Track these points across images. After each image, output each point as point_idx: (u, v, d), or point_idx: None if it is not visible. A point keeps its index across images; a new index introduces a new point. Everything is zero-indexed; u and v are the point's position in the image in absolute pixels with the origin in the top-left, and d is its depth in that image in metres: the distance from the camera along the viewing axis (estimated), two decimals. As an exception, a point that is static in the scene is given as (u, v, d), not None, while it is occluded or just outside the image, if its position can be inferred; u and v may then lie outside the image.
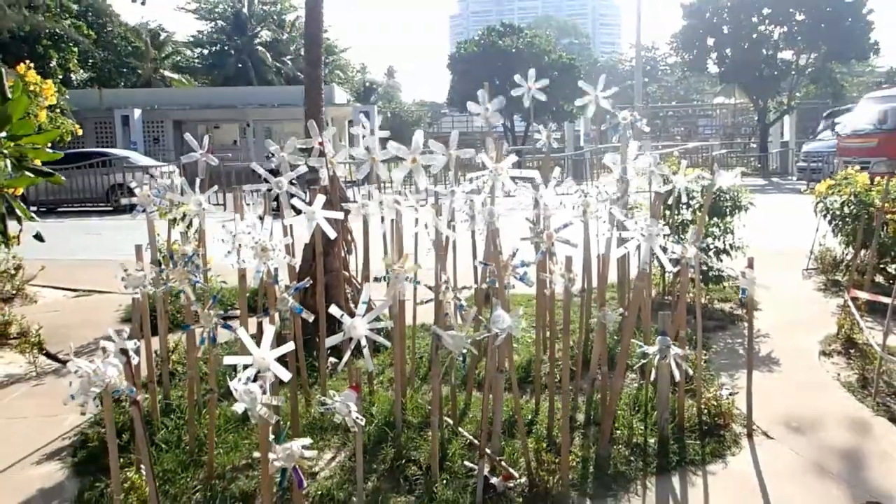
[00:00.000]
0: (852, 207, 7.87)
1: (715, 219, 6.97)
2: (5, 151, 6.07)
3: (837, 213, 8.12)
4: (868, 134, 17.17)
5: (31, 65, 8.31)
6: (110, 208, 20.61)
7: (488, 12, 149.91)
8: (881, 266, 7.84)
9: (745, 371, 4.56)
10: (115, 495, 3.23)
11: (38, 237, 6.94)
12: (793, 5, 33.74)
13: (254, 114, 37.43)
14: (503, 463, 3.70)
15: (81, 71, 40.84)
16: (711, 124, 54.02)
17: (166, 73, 48.81)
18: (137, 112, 35.06)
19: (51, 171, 6.44)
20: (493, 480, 3.58)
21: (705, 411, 4.42)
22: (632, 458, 3.97)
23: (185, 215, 5.55)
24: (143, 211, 4.59)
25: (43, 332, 6.18)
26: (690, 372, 4.48)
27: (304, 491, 2.95)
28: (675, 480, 3.82)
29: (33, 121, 6.30)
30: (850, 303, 5.91)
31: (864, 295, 5.92)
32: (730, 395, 4.80)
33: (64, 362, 5.97)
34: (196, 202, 4.41)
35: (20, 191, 6.79)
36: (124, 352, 2.81)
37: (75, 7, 37.35)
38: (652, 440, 4.15)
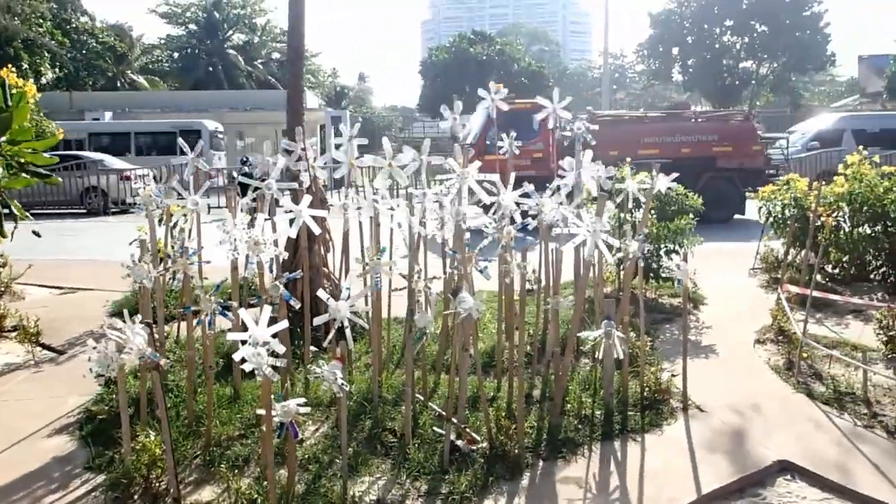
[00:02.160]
0: (792, 210, 8.54)
1: (664, 222, 7.60)
2: (6, 155, 6.49)
3: (779, 215, 8.80)
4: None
5: (13, 68, 8.67)
6: (84, 211, 20.83)
7: (459, 18, 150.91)
8: (821, 267, 8.54)
9: (688, 359, 5.14)
10: (126, 455, 3.72)
11: (36, 233, 7.38)
12: (754, 17, 34.90)
13: (226, 117, 37.64)
14: (467, 430, 4.24)
15: (49, 73, 40.83)
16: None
17: (134, 76, 48.75)
18: (108, 115, 35.10)
19: (48, 173, 6.88)
20: (459, 443, 4.12)
21: (647, 389, 5.00)
22: (580, 427, 4.55)
23: (171, 215, 6.06)
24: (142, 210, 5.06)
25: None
26: (621, 353, 5.05)
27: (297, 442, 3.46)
28: (617, 445, 4.40)
29: (31, 128, 6.69)
30: (781, 296, 6.54)
31: (794, 289, 6.57)
32: (672, 376, 5.38)
33: (60, 352, 6.40)
34: (193, 202, 4.89)
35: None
36: (149, 325, 3.30)
37: (45, 7, 37.33)
38: (599, 412, 4.74)
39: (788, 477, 4.09)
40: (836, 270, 8.70)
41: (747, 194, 16.26)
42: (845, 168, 8.66)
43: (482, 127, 15.77)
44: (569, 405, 4.80)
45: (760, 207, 9.12)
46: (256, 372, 3.03)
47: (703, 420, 4.77)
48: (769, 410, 4.91)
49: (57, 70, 41.87)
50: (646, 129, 16.41)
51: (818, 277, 8.47)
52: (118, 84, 46.99)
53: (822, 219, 8.08)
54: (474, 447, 4.15)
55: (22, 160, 6.72)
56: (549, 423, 4.56)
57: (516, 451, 4.11)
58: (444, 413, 4.37)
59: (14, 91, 6.82)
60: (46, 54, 37.52)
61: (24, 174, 6.83)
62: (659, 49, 37.20)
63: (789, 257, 8.71)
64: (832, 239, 8.23)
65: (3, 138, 6.49)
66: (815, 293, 6.13)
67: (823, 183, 7.95)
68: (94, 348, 3.72)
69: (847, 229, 8.30)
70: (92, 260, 11.74)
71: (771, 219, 8.96)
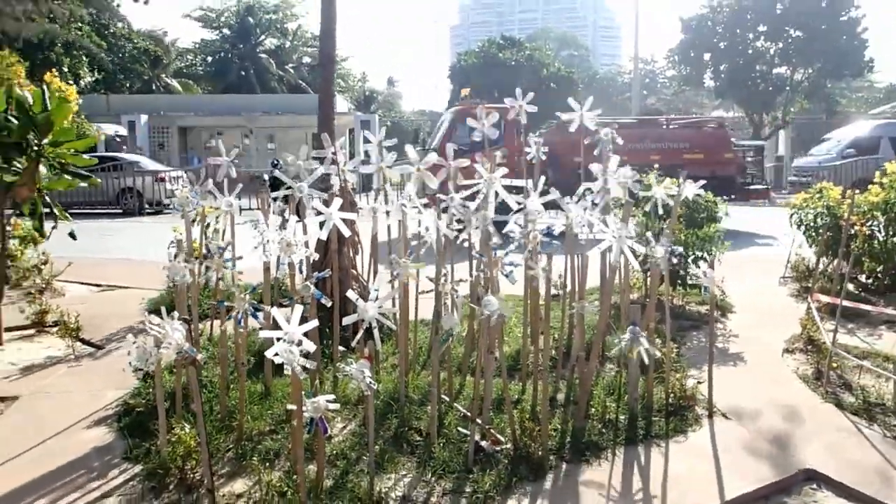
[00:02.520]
0: (825, 219, 8.48)
1: (693, 229, 7.60)
2: (48, 156, 6.69)
3: (811, 224, 8.75)
4: None
5: (56, 73, 8.93)
6: (119, 211, 21.28)
7: (488, 23, 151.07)
8: (853, 276, 8.49)
9: (714, 367, 5.14)
10: (163, 447, 3.84)
11: (72, 235, 7.58)
12: (788, 23, 34.48)
13: (258, 121, 38.11)
14: (492, 430, 4.31)
15: (88, 76, 41.61)
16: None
17: (168, 80, 49.54)
18: (144, 118, 35.72)
19: (88, 174, 7.07)
20: (483, 443, 4.19)
21: (672, 395, 5.02)
22: (604, 431, 4.58)
23: (204, 217, 6.22)
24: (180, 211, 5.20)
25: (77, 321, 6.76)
26: (658, 354, 5.07)
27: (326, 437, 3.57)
28: (641, 449, 4.43)
29: (73, 129, 6.88)
30: (811, 305, 6.51)
31: (825, 298, 6.54)
32: (698, 383, 5.39)
33: (99, 347, 6.58)
34: (227, 203, 5.03)
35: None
36: (187, 321, 3.41)
37: (84, 12, 38.07)
38: (623, 417, 4.77)
39: (814, 486, 4.09)
40: (870, 280, 8.62)
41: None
42: (881, 176, 8.58)
43: (445, 132, 15.94)
44: (593, 409, 4.84)
45: (792, 215, 9.07)
46: (286, 368, 3.13)
47: (728, 427, 4.78)
48: (796, 419, 4.91)
49: (95, 73, 42.67)
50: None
51: (850, 287, 8.43)
52: (153, 87, 47.79)
53: (856, 228, 8.03)
54: (498, 448, 4.22)
55: (63, 161, 6.93)
56: (573, 427, 4.61)
57: (540, 452, 4.16)
58: (469, 414, 4.44)
59: (55, 94, 7.04)
60: (85, 58, 38.33)
61: (65, 175, 7.04)
62: (690, 54, 36.93)
63: (821, 266, 8.65)
64: (866, 248, 8.16)
65: (45, 140, 6.69)
66: (847, 303, 6.10)
67: (858, 191, 7.87)
68: (134, 343, 3.86)
69: (881, 238, 8.21)
70: (128, 259, 12.01)
71: (803, 227, 8.91)
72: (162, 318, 3.65)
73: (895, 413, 4.97)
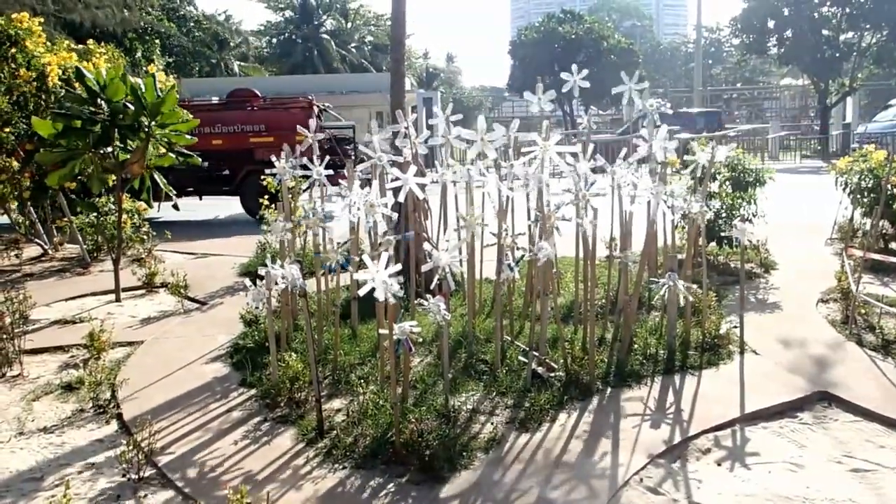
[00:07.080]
0: (868, 181, 8.88)
1: (739, 192, 8.13)
2: (156, 136, 7.66)
3: (855, 186, 9.14)
4: None
5: (159, 64, 9.93)
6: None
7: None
8: (898, 234, 8.90)
9: (751, 314, 5.73)
10: (274, 372, 4.72)
11: (176, 207, 8.59)
12: (855, -14, 33.64)
13: (323, 101, 39.18)
14: (547, 360, 5.06)
15: (159, 61, 43.42)
16: (776, 107, 53.77)
17: (233, 63, 51.14)
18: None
19: (190, 153, 8.03)
20: (539, 370, 4.95)
21: (708, 334, 5.67)
22: (645, 363, 5.29)
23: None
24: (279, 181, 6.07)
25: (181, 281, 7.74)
26: (692, 298, 5.71)
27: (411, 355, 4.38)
28: (677, 378, 5.13)
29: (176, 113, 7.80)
30: (845, 258, 7.03)
31: (858, 252, 7.04)
32: (732, 327, 6.01)
33: (202, 303, 7.56)
34: (318, 172, 5.87)
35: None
36: (299, 262, 4.25)
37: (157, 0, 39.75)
38: (662, 352, 5.46)
39: (826, 404, 4.72)
40: (913, 238, 9.00)
41: None
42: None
43: None
44: (636, 346, 5.54)
45: (837, 178, 9.47)
46: (380, 296, 3.92)
47: (757, 360, 5.42)
48: (819, 354, 5.51)
49: (167, 57, 44.50)
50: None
51: (894, 245, 8.85)
52: (216, 72, 49.47)
53: (896, 189, 8.42)
54: (552, 374, 4.97)
55: (169, 141, 7.90)
56: (618, 359, 5.32)
57: (588, 378, 4.90)
58: (527, 349, 5.20)
59: (161, 84, 8.00)
60: (157, 42, 40.17)
61: (171, 154, 8.02)
62: (753, 22, 36.35)
63: (867, 226, 9.06)
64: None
65: (154, 122, 7.65)
66: (877, 256, 6.62)
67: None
68: (251, 287, 4.75)
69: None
70: (213, 232, 13.09)
71: (847, 190, 9.30)
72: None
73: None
